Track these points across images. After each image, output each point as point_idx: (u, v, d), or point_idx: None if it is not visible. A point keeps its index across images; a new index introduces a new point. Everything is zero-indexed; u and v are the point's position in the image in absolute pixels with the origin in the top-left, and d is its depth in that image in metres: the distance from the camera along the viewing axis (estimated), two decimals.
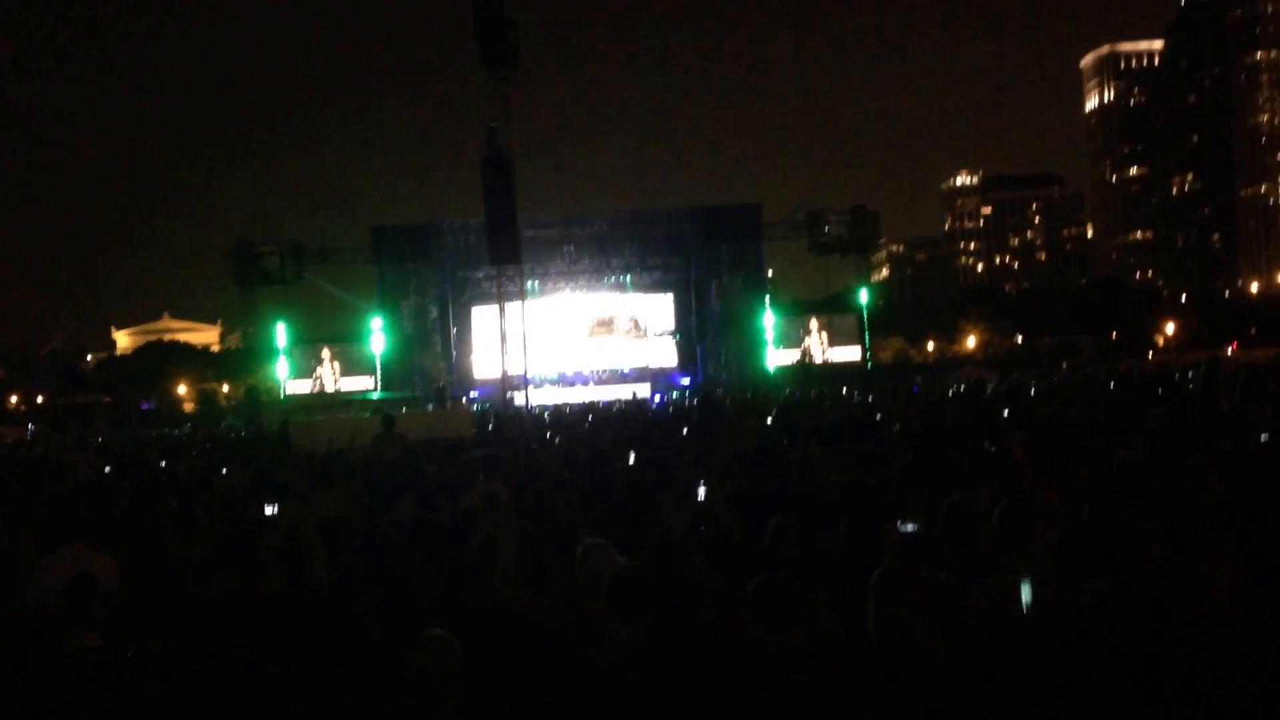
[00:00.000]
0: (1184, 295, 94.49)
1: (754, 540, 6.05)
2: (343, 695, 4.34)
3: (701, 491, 7.07)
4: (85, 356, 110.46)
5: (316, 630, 5.04)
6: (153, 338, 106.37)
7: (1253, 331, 71.65)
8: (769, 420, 17.74)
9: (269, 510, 7.95)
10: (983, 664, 3.55)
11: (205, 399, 69.20)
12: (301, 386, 53.73)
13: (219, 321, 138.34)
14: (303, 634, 4.94)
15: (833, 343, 55.88)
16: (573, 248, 54.76)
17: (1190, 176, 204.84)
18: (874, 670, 3.70)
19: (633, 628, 4.19)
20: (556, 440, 16.53)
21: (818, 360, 55.03)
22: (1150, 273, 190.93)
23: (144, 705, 4.12)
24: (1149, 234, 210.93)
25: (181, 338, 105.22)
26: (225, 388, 70.11)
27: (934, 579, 4.64)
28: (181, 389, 72.37)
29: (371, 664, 4.37)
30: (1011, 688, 3.42)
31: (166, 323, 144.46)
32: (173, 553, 6.37)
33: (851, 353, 55.56)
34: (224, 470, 13.74)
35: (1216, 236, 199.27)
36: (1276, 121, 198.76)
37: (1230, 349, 58.94)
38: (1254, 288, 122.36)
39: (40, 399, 75.08)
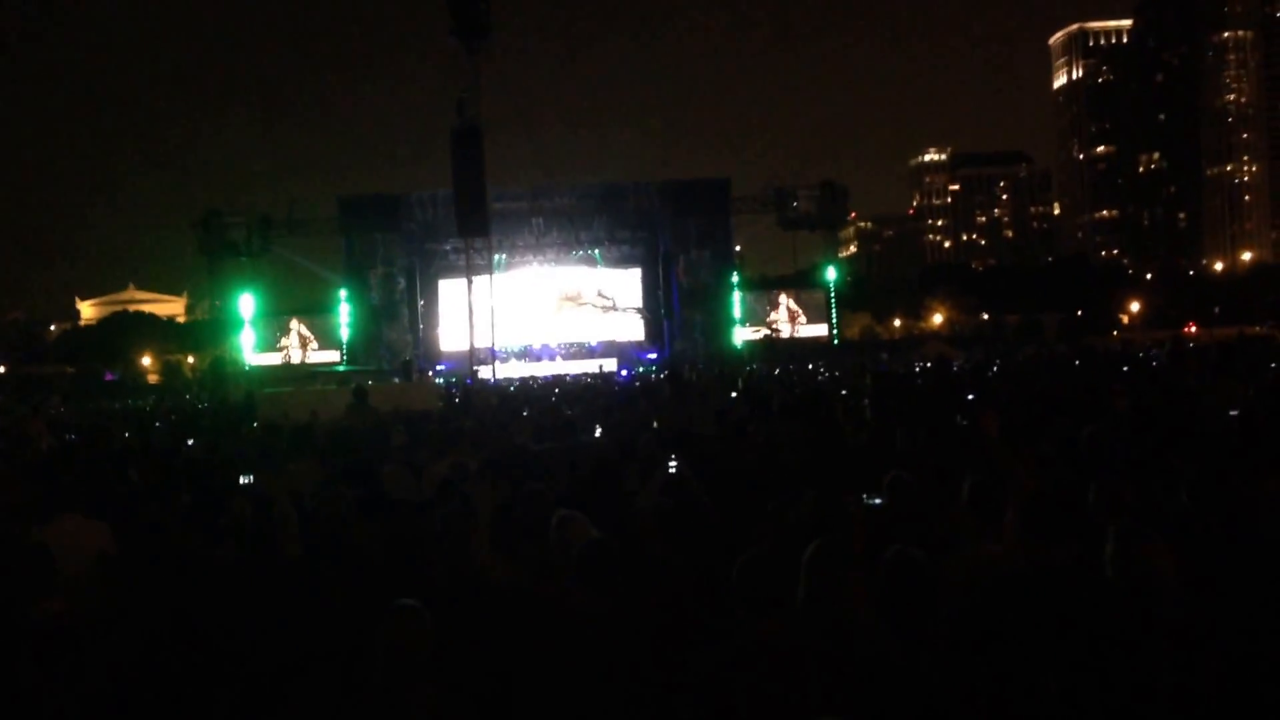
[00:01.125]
0: (1149, 273, 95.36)
1: (725, 514, 6.09)
2: (314, 665, 4.35)
3: (673, 465, 7.09)
4: (49, 327, 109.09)
5: (287, 600, 5.05)
6: (117, 308, 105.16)
7: (1216, 310, 72.48)
8: (734, 395, 17.81)
9: (241, 481, 7.92)
10: (947, 634, 3.61)
11: (170, 370, 68.59)
12: (268, 359, 53.33)
13: (185, 293, 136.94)
14: (273, 604, 4.95)
15: (800, 319, 56.02)
16: (541, 221, 54.51)
17: (1157, 155, 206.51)
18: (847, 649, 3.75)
19: (602, 600, 4.22)
20: (524, 413, 16.52)
21: (785, 336, 55.15)
22: (1116, 251, 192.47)
23: (111, 669, 4.13)
24: (1115, 212, 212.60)
25: (147, 309, 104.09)
26: (191, 359, 69.51)
27: (896, 552, 4.71)
28: (146, 360, 71.71)
29: (342, 634, 4.39)
30: (975, 656, 3.47)
31: (131, 293, 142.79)
32: (153, 522, 6.35)
33: (819, 329, 55.73)
34: (190, 442, 13.66)
35: (1182, 215, 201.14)
36: (1243, 101, 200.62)
37: (1189, 328, 59.58)
38: (1218, 266, 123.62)
39: (1, 369, 74.17)
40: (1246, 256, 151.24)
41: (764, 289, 58.42)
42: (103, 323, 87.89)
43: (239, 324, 53.66)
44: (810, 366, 32.36)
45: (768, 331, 54.96)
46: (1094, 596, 3.64)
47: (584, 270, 57.03)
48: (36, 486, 8.46)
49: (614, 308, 57.10)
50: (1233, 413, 8.74)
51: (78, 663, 4.12)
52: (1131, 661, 3.39)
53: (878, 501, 5.95)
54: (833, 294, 55.53)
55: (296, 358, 53.38)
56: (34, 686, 3.94)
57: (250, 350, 53.16)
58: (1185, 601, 3.68)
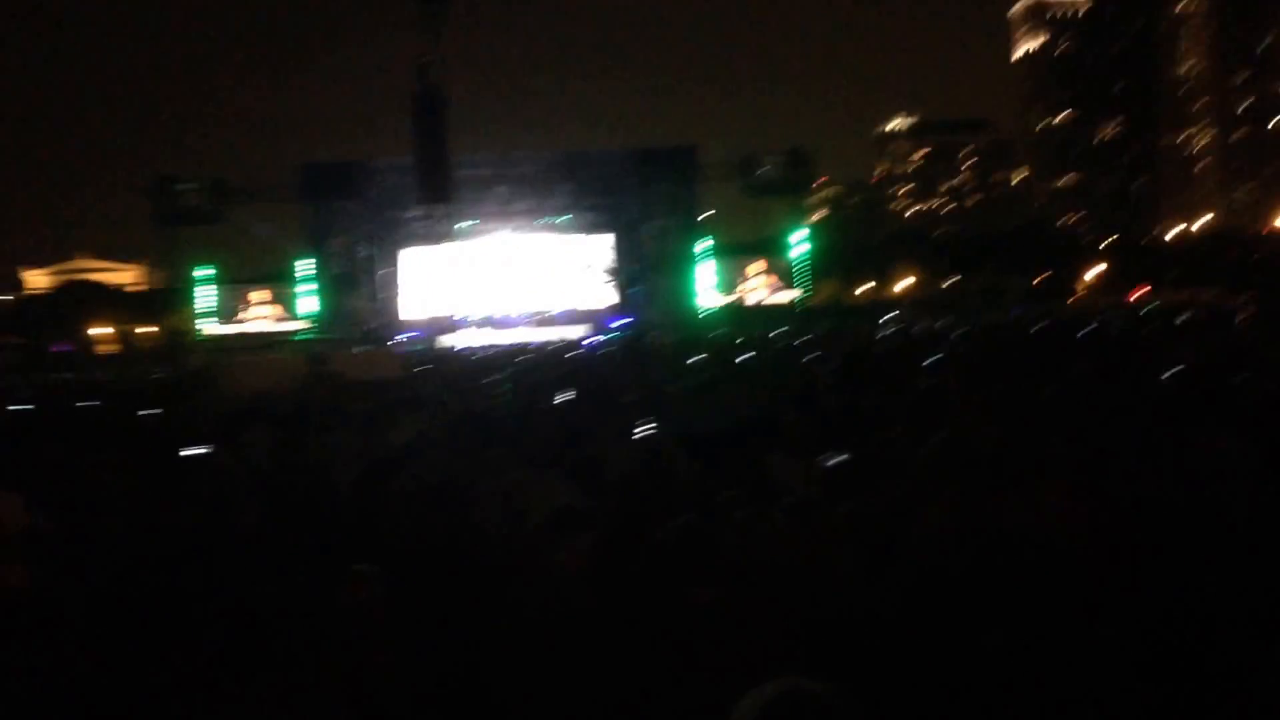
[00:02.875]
0: (1107, 240, 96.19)
1: (700, 475, 6.09)
2: (271, 632, 4.29)
3: (649, 428, 7.07)
4: None
5: (244, 567, 4.99)
6: (66, 278, 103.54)
7: (1171, 275, 73.29)
8: (701, 359, 17.82)
9: (198, 451, 7.85)
10: (913, 588, 3.61)
11: (125, 341, 67.68)
12: (227, 328, 52.76)
13: (138, 261, 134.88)
14: (231, 571, 4.89)
15: (768, 285, 56.06)
16: (505, 188, 54.07)
17: (1115, 124, 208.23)
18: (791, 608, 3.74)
19: (574, 560, 4.17)
20: (488, 380, 16.44)
21: (752, 302, 55.18)
22: (1076, 218, 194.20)
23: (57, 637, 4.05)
24: (1074, 179, 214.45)
25: (97, 278, 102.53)
26: (147, 330, 68.61)
27: (855, 510, 4.72)
28: (99, 330, 70.69)
29: (299, 600, 4.34)
30: (941, 610, 3.47)
31: (80, 261, 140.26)
32: (97, 493, 6.25)
33: (786, 294, 55.78)
34: (146, 412, 13.47)
35: (1139, 182, 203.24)
36: (1197, 71, 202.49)
37: (1134, 294, 60.24)
38: (1173, 232, 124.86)
39: None
40: (1200, 223, 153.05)
41: (731, 256, 58.38)
42: (53, 292, 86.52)
43: (195, 293, 53.01)
44: (773, 334, 32.41)
45: (737, 298, 54.99)
46: (1039, 555, 3.66)
47: (549, 238, 56.78)
48: None
49: (581, 274, 56.92)
50: (1174, 371, 8.86)
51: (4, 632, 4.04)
52: (1073, 620, 3.41)
53: (835, 461, 5.96)
54: (800, 260, 55.53)
55: (255, 327, 52.79)
56: None
57: (208, 320, 52.56)
58: (1110, 557, 3.71)
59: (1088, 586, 3.59)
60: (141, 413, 12.43)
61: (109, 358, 57.53)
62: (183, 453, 7.89)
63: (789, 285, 55.77)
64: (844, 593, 3.94)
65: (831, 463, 5.97)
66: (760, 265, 56.67)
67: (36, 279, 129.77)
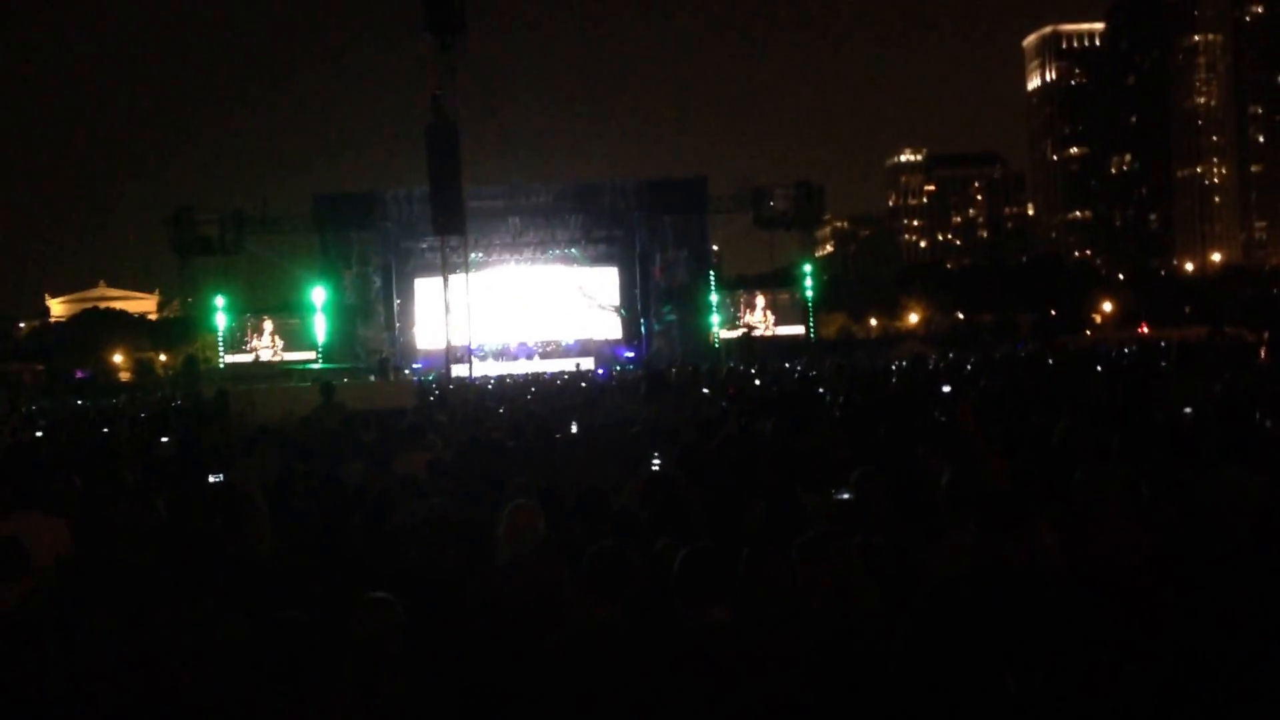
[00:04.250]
0: (1121, 274, 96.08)
1: (712, 510, 6.09)
2: (285, 658, 4.31)
3: (656, 462, 7.09)
4: (18, 324, 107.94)
5: (259, 594, 5.01)
6: (88, 306, 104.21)
7: (1187, 310, 73.10)
8: (707, 391, 17.82)
9: (212, 478, 7.87)
10: (926, 622, 3.61)
11: (142, 368, 68.02)
12: (242, 357, 52.91)
13: (157, 290, 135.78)
14: (245, 598, 4.91)
15: (777, 318, 56.03)
16: (517, 219, 54.30)
17: (1129, 157, 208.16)
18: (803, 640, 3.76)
19: (610, 608, 4.15)
20: (500, 410, 16.49)
21: (762, 335, 55.14)
22: (1089, 251, 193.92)
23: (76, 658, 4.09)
24: (1088, 213, 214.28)
25: (118, 306, 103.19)
26: (163, 357, 68.95)
27: (867, 542, 4.73)
28: (118, 358, 71.10)
29: (315, 628, 4.36)
30: (955, 645, 3.48)
31: (103, 290, 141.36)
32: (121, 518, 6.28)
33: (795, 328, 55.75)
34: (164, 439, 13.55)
35: (1154, 216, 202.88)
36: (1213, 104, 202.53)
37: (1141, 329, 59.99)
38: (1189, 267, 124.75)
39: None
40: (1216, 257, 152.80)
41: (740, 288, 58.42)
42: (73, 320, 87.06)
43: (212, 322, 53.25)
44: (787, 365, 32.42)
45: (745, 331, 54.97)
46: (1050, 591, 3.67)
47: (560, 268, 56.95)
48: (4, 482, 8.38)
49: (591, 306, 57.05)
50: (1187, 410, 8.87)
51: (42, 650, 4.07)
52: (1085, 656, 3.41)
53: (846, 496, 5.96)
54: (809, 293, 55.59)
55: (267, 356, 52.93)
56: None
57: (223, 348, 52.77)
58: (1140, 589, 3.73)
59: (1104, 623, 3.59)
60: (161, 439, 12.51)
61: (126, 385, 57.80)
62: (201, 479, 7.92)
63: (799, 318, 55.75)
64: (858, 627, 3.95)
65: (844, 496, 5.98)
66: (770, 298, 56.69)
67: (59, 306, 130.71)
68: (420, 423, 11.63)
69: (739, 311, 55.97)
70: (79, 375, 61.66)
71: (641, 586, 4.20)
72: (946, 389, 13.66)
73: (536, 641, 4.01)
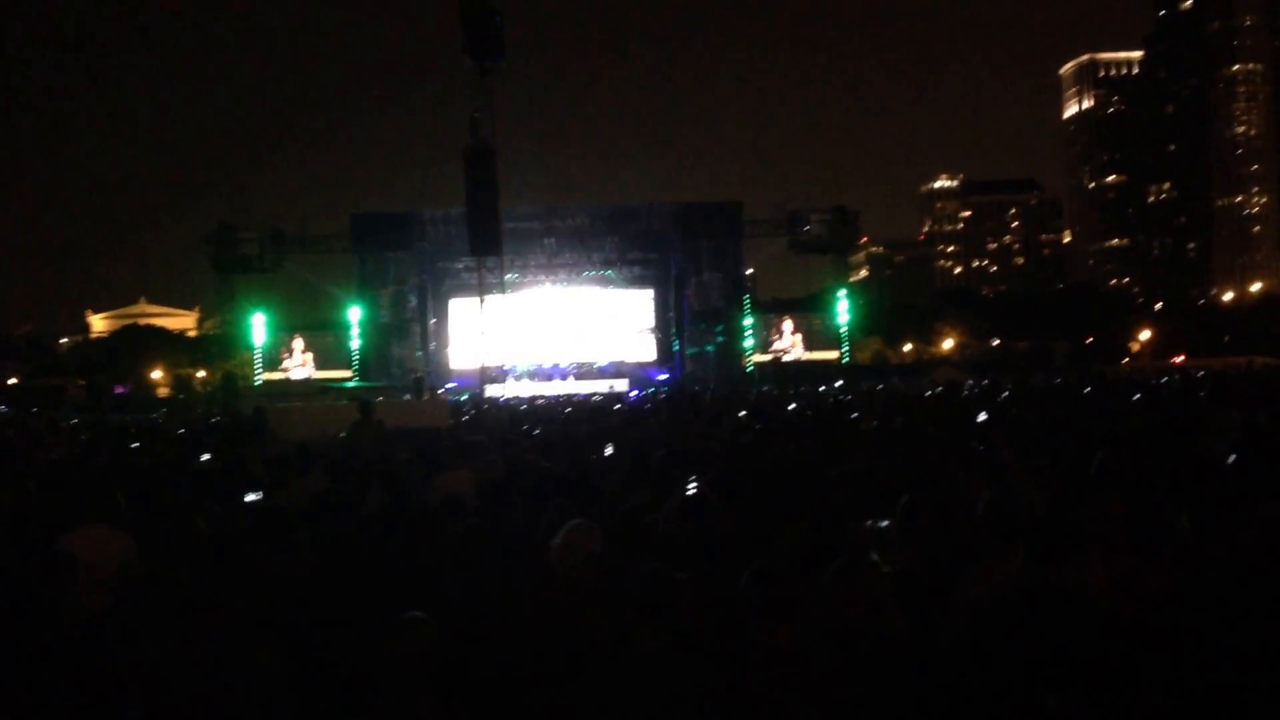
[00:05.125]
0: (1158, 303, 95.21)
1: (745, 533, 6.10)
2: (322, 677, 4.37)
3: (693, 485, 7.09)
4: (60, 340, 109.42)
5: (298, 613, 5.06)
6: (128, 322, 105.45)
7: (1225, 339, 72.33)
8: (743, 415, 17.79)
9: (251, 496, 7.95)
10: (964, 651, 3.62)
11: (180, 384, 68.69)
12: (279, 374, 53.36)
13: (196, 307, 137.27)
14: (285, 616, 4.96)
15: (810, 342, 55.90)
16: (553, 240, 54.62)
17: (1167, 185, 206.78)
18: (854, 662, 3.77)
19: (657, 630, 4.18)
20: (536, 431, 16.52)
21: (795, 360, 55.03)
22: (1126, 279, 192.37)
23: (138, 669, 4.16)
24: (1125, 241, 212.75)
25: (158, 323, 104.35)
26: (201, 374, 69.63)
27: (905, 570, 4.73)
28: (156, 374, 71.85)
29: (350, 646, 4.40)
30: (991, 673, 3.48)
31: (143, 307, 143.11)
32: (173, 534, 6.36)
33: (828, 353, 55.59)
34: (204, 456, 13.67)
35: (1192, 245, 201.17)
36: (1253, 133, 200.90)
37: (1185, 358, 59.37)
38: (1228, 296, 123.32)
39: (12, 380, 74.37)
40: (1256, 287, 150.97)
41: (774, 312, 58.38)
42: (114, 336, 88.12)
43: (249, 339, 53.77)
44: (822, 389, 32.33)
45: (778, 354, 54.89)
46: (1093, 618, 3.66)
47: (595, 290, 57.14)
48: (50, 495, 8.51)
49: (624, 329, 57.17)
50: (1228, 437, 8.79)
51: (110, 663, 4.15)
52: (1127, 684, 3.40)
53: (883, 525, 5.95)
54: (843, 318, 55.43)
55: (301, 374, 53.34)
56: (68, 685, 3.97)
57: (260, 365, 53.24)
58: (1177, 621, 3.71)
59: (1141, 653, 3.58)
60: (201, 457, 12.64)
61: (164, 400, 58.38)
62: (241, 498, 8.00)
63: (832, 343, 55.58)
64: (893, 654, 3.96)
65: (879, 524, 5.98)
66: (804, 322, 56.57)
67: (101, 322, 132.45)
68: (460, 444, 11.68)
69: (773, 335, 55.90)
70: (118, 390, 62.35)
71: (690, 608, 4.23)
72: (982, 416, 13.58)
73: (591, 662, 4.03)
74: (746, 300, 54.90)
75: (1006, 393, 20.47)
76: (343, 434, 14.72)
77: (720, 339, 54.16)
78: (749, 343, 54.09)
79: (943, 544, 5.08)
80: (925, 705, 3.54)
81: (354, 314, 52.55)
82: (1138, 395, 18.02)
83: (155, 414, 38.41)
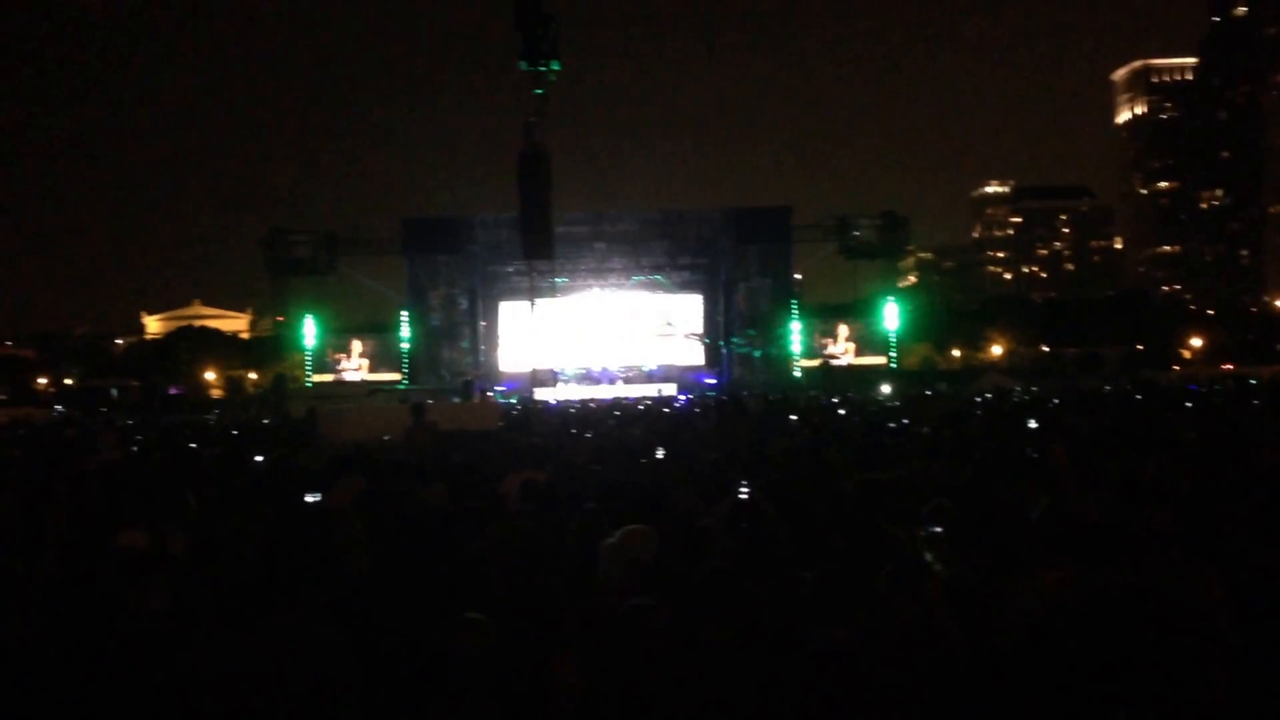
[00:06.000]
0: (1210, 309, 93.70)
1: (796, 537, 6.13)
2: (382, 677, 4.44)
3: (745, 490, 7.14)
4: (115, 341, 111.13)
5: (356, 613, 5.14)
6: (182, 323, 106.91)
7: (1278, 346, 71.11)
8: (793, 419, 17.79)
9: (309, 497, 8.05)
10: (1016, 658, 3.63)
11: (233, 386, 69.61)
12: (330, 376, 53.96)
13: (249, 309, 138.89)
14: (343, 617, 5.04)
15: (859, 348, 55.66)
16: (604, 245, 54.77)
17: (1219, 192, 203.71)
18: (913, 665, 3.79)
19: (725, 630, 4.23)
20: (588, 435, 16.61)
21: (844, 364, 54.80)
22: (1178, 286, 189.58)
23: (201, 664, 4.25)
24: (1177, 248, 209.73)
25: (211, 324, 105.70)
26: (253, 375, 70.52)
27: (958, 575, 4.74)
28: (209, 375, 72.83)
29: (409, 646, 4.47)
30: (1043, 681, 3.49)
31: (197, 309, 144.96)
32: (231, 534, 6.49)
33: (876, 358, 55.31)
34: (258, 458, 13.88)
35: (1245, 252, 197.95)
36: None
37: (1226, 366, 58.34)
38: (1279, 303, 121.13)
39: (68, 381, 75.72)
40: None
41: (823, 317, 58.19)
42: (168, 337, 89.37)
43: (301, 341, 54.38)
44: (870, 394, 32.21)
45: (825, 359, 54.68)
46: (1151, 626, 3.65)
47: (645, 295, 57.24)
48: (107, 494, 8.69)
49: (674, 333, 57.21)
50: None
51: (178, 661, 4.25)
52: (1186, 693, 3.39)
53: (936, 530, 5.95)
54: (891, 323, 55.12)
55: (354, 376, 53.91)
56: (136, 684, 4.07)
57: (311, 367, 53.84)
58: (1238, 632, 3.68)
59: (1200, 664, 3.57)
60: (255, 458, 12.82)
61: (217, 402, 59.18)
62: (297, 498, 8.11)
63: (880, 348, 55.29)
64: (946, 661, 3.98)
65: (932, 529, 5.98)
66: (854, 327, 56.32)
67: (155, 324, 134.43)
68: (511, 447, 11.77)
69: (820, 340, 55.72)
70: (172, 392, 63.31)
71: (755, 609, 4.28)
72: (1033, 424, 13.49)
73: (654, 664, 4.08)
74: (794, 305, 54.75)
75: (1057, 400, 20.31)
76: (386, 436, 14.86)
77: (768, 344, 54.04)
78: (797, 348, 53.93)
79: (997, 549, 5.08)
80: (978, 708, 3.56)
81: (405, 316, 53.01)
82: (1189, 403, 17.82)
83: (208, 415, 38.98)
